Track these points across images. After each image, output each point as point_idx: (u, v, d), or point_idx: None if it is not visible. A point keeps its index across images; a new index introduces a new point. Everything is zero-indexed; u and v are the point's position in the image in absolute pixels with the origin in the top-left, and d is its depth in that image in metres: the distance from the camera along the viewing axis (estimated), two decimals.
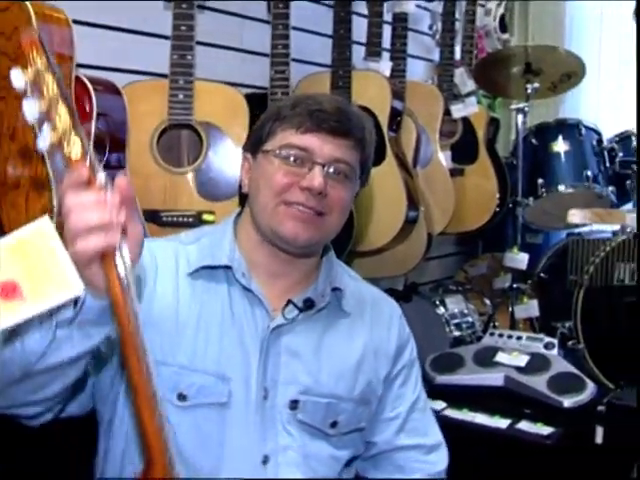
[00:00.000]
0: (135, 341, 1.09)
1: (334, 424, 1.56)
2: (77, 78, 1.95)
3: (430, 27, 3.88)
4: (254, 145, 1.54)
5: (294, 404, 1.51)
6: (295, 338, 1.52)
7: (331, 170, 1.47)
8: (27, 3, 1.79)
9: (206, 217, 2.25)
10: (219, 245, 1.53)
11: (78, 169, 1.05)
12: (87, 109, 1.95)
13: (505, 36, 4.38)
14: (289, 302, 1.52)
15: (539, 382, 2.73)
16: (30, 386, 1.26)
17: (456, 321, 3.54)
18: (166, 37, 2.31)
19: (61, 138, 1.05)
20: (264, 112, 1.57)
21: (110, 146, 2.05)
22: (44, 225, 1.03)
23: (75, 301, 1.15)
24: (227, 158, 2.29)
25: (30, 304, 1.00)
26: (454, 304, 3.60)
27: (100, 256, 1.07)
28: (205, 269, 1.50)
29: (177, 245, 1.54)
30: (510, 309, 3.46)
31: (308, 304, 1.53)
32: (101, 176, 1.07)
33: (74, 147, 1.04)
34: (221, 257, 1.51)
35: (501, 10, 4.33)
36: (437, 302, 3.56)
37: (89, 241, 1.05)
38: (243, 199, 1.62)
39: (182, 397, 1.45)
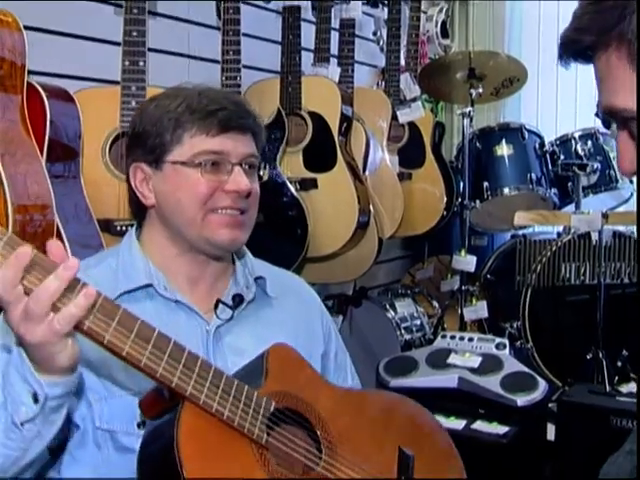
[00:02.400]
0: None
1: None
2: (29, 84, 1.91)
3: (374, 33, 3.91)
4: (152, 155, 1.47)
5: None
6: (235, 336, 1.51)
7: (246, 167, 1.48)
8: None
9: None
10: (131, 265, 1.48)
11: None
12: (40, 116, 1.91)
13: (446, 42, 4.44)
14: (218, 302, 1.51)
15: (492, 382, 2.77)
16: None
17: (406, 324, 3.57)
18: (117, 43, 2.27)
19: None
20: (146, 118, 1.49)
21: (63, 154, 2.01)
22: None
23: (35, 398, 1.16)
24: None
25: None
26: (404, 307, 3.63)
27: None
28: (124, 294, 1.44)
29: (81, 277, 1.47)
30: (459, 311, 3.51)
31: (238, 299, 1.52)
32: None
33: None
34: (139, 277, 1.46)
35: (442, 16, 4.39)
36: (387, 306, 3.59)
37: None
38: (139, 211, 1.55)
39: (143, 424, 1.40)
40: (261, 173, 1.56)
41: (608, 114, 0.86)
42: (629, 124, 0.85)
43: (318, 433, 1.32)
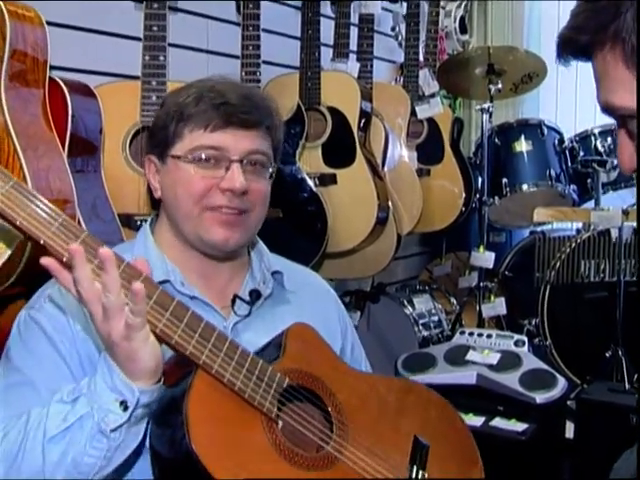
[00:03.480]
0: None
1: None
2: (51, 79, 1.91)
3: (393, 28, 3.90)
4: (159, 148, 1.46)
5: None
6: (253, 332, 1.49)
7: (248, 163, 1.43)
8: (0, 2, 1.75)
9: None
10: (147, 261, 1.47)
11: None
12: (62, 111, 1.91)
13: (465, 37, 4.43)
14: (235, 298, 1.49)
15: (511, 379, 2.75)
16: None
17: (424, 321, 3.56)
18: (138, 38, 2.27)
19: None
20: (160, 110, 1.49)
21: (85, 149, 2.01)
22: None
23: (125, 406, 1.17)
24: None
25: None
26: (422, 304, 3.62)
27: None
28: None
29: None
30: (477, 307, 3.49)
31: (255, 295, 1.50)
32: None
33: None
34: (156, 274, 1.43)
35: (461, 11, 4.37)
36: (405, 302, 3.58)
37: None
38: (156, 204, 1.56)
39: None
40: (270, 170, 1.49)
41: (607, 111, 0.86)
42: (627, 122, 0.85)
43: (330, 412, 1.32)
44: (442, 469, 1.39)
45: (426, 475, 1.35)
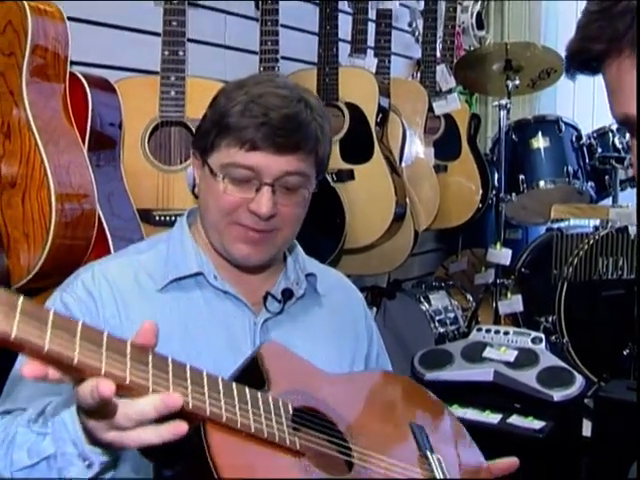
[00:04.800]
0: None
1: None
2: (71, 74, 1.92)
3: (410, 24, 3.89)
4: (200, 150, 1.43)
5: None
6: (282, 331, 1.49)
7: (280, 186, 1.37)
8: None
9: None
10: (182, 252, 1.46)
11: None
12: (82, 106, 1.92)
13: (482, 33, 4.41)
14: (267, 295, 1.48)
15: (528, 376, 2.74)
16: None
17: (440, 317, 3.56)
18: (156, 34, 2.27)
19: None
20: (212, 107, 1.43)
21: (105, 144, 2.02)
22: None
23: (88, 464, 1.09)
24: None
25: None
26: (438, 300, 3.62)
27: None
28: (174, 281, 1.43)
29: (132, 260, 1.46)
30: (493, 304, 3.48)
31: (288, 294, 1.49)
32: None
33: None
34: (189, 265, 1.44)
35: (477, 7, 4.36)
36: (421, 298, 3.58)
37: None
38: (196, 197, 1.53)
39: None
40: (309, 189, 1.42)
41: (622, 124, 0.84)
42: None
43: (336, 423, 1.26)
44: (443, 447, 1.38)
45: (439, 456, 1.34)
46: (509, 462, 1.44)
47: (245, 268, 1.47)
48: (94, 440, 1.05)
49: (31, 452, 1.14)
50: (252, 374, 1.23)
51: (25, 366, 0.90)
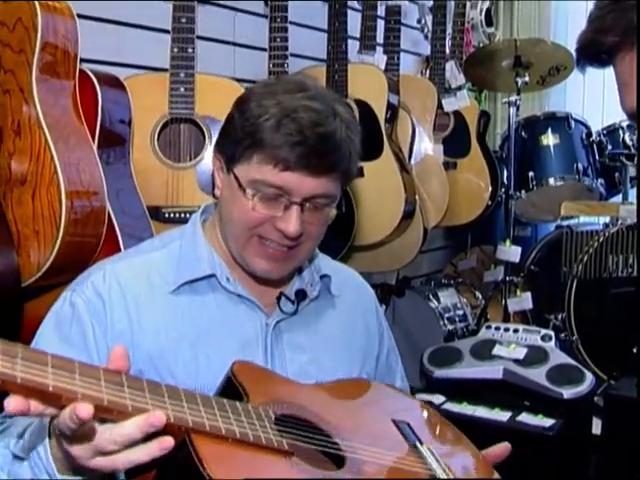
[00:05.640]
0: None
1: None
2: (81, 71, 1.92)
3: (419, 21, 3.88)
4: (226, 156, 1.38)
5: None
6: (295, 332, 1.48)
7: (310, 205, 1.34)
8: None
9: None
10: (195, 253, 1.44)
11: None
12: (92, 103, 1.92)
13: (491, 30, 4.40)
14: (281, 296, 1.47)
15: (538, 374, 2.73)
16: None
17: (449, 315, 3.55)
18: (166, 31, 2.27)
19: None
20: (241, 110, 1.36)
21: (114, 141, 2.02)
22: None
23: None
24: None
25: None
26: (447, 297, 3.61)
27: None
28: (187, 284, 1.41)
29: (144, 260, 1.44)
30: (503, 302, 3.47)
31: (302, 295, 1.48)
32: None
33: None
34: (202, 267, 1.42)
35: (487, 4, 4.34)
36: (430, 296, 3.57)
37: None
38: (214, 196, 1.49)
39: None
40: (334, 207, 1.40)
41: (632, 117, 0.83)
42: None
43: (321, 427, 1.25)
44: (432, 439, 1.38)
45: (430, 447, 1.32)
46: (501, 448, 1.42)
47: (262, 280, 1.45)
48: (79, 467, 1.05)
49: (10, 474, 1.16)
50: (229, 391, 1.24)
51: (9, 402, 0.92)
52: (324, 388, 1.43)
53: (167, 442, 1.00)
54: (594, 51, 0.82)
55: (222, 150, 1.40)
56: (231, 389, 1.24)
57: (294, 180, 1.30)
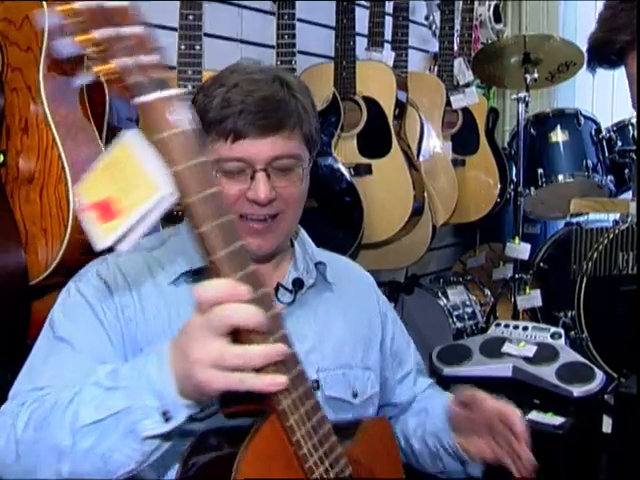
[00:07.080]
0: None
1: (355, 394, 1.54)
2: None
3: (426, 17, 3.86)
4: None
5: (315, 384, 1.47)
6: (295, 321, 1.47)
7: (274, 170, 1.37)
8: None
9: None
10: (192, 245, 1.39)
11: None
12: (100, 101, 1.91)
13: (499, 26, 4.37)
14: (278, 286, 1.48)
15: (548, 372, 2.72)
16: None
17: (458, 312, 3.54)
18: (173, 28, 2.26)
19: None
20: (193, 100, 1.41)
21: None
22: (129, 137, 1.00)
23: (166, 417, 1.06)
24: None
25: (124, 217, 0.98)
26: (456, 295, 3.60)
27: None
28: (186, 274, 1.43)
29: (144, 254, 1.45)
30: (512, 299, 3.46)
31: (299, 284, 1.49)
32: None
33: None
34: (197, 259, 1.40)
35: (495, 0, 4.32)
36: (439, 293, 3.56)
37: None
38: None
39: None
40: (304, 167, 1.41)
41: None
42: None
43: None
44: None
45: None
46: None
47: (256, 259, 1.46)
48: (187, 380, 1.02)
49: (101, 407, 1.10)
50: (347, 427, 1.26)
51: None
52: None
53: (280, 379, 1.00)
54: (606, 51, 0.81)
55: None
56: (350, 425, 1.28)
57: (248, 147, 1.34)
